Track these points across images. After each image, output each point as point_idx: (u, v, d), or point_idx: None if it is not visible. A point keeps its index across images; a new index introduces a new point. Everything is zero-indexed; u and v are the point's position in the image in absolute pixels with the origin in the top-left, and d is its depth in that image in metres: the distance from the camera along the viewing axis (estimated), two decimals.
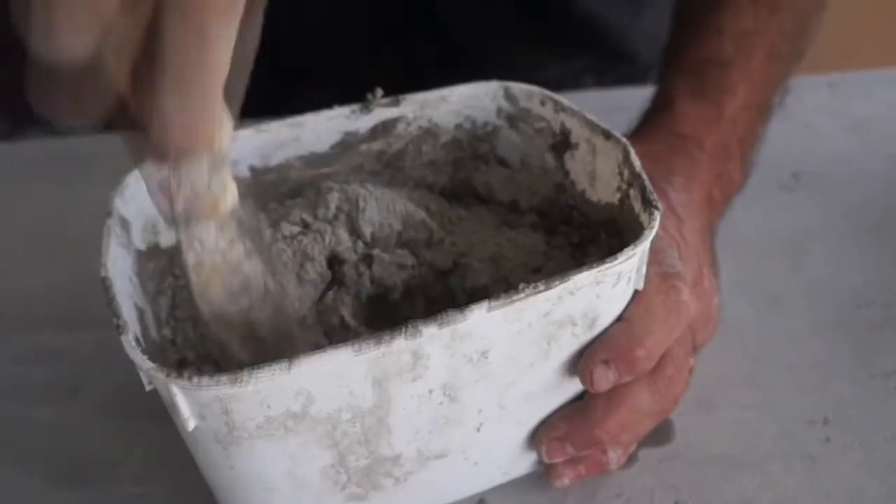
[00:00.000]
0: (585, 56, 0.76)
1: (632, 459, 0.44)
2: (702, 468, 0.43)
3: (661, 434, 0.45)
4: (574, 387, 0.39)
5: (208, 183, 0.30)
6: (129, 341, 0.32)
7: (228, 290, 0.34)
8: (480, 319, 0.33)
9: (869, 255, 0.56)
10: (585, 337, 0.37)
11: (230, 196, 0.32)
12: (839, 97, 0.72)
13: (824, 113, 0.70)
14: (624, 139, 0.41)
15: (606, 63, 0.77)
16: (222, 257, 0.33)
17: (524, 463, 0.42)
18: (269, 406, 0.32)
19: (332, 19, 0.71)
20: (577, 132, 0.44)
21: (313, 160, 0.46)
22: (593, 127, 0.42)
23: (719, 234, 0.49)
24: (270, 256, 0.38)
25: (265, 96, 0.69)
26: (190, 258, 0.33)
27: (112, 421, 0.46)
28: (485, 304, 0.32)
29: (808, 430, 0.45)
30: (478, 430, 0.38)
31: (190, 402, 0.32)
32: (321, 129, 0.45)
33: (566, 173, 0.45)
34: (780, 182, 0.62)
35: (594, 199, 0.43)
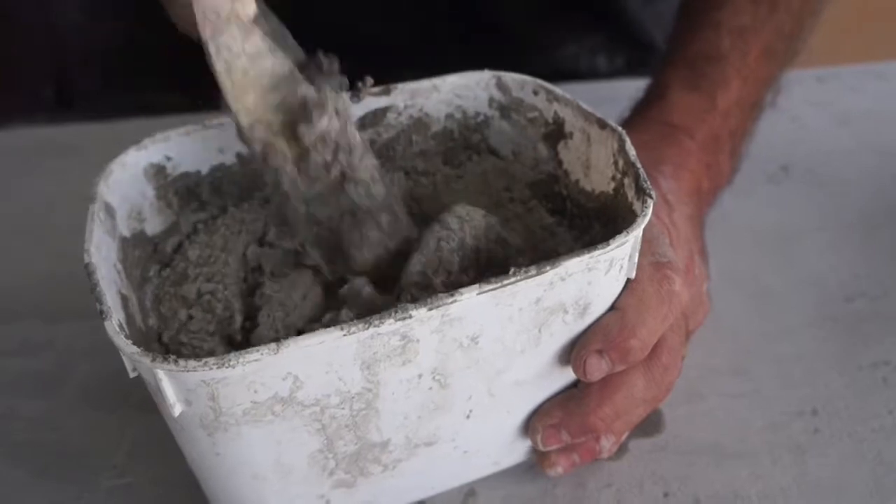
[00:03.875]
0: (598, 34, 0.76)
1: (622, 450, 0.44)
2: (691, 459, 0.43)
3: (650, 425, 0.45)
4: (564, 377, 0.39)
5: None
6: (113, 326, 0.31)
7: (261, 88, 0.37)
8: (471, 303, 0.32)
9: (857, 248, 0.56)
10: (577, 325, 0.37)
11: (249, 3, 0.35)
12: (827, 91, 0.73)
13: (813, 106, 0.71)
14: (619, 128, 0.40)
15: (617, 43, 0.77)
16: (250, 60, 0.36)
17: (514, 453, 0.42)
18: (256, 391, 0.31)
19: None
20: (571, 121, 0.43)
21: None
22: (588, 116, 0.42)
23: (708, 225, 0.50)
24: (291, 52, 0.38)
25: None
26: (220, 65, 0.35)
27: (97, 412, 0.46)
28: (475, 288, 0.32)
29: (796, 421, 0.45)
30: (467, 417, 0.37)
31: (176, 386, 0.31)
32: None
33: (559, 163, 0.45)
34: (768, 174, 0.63)
35: (588, 188, 0.43)
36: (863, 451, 0.44)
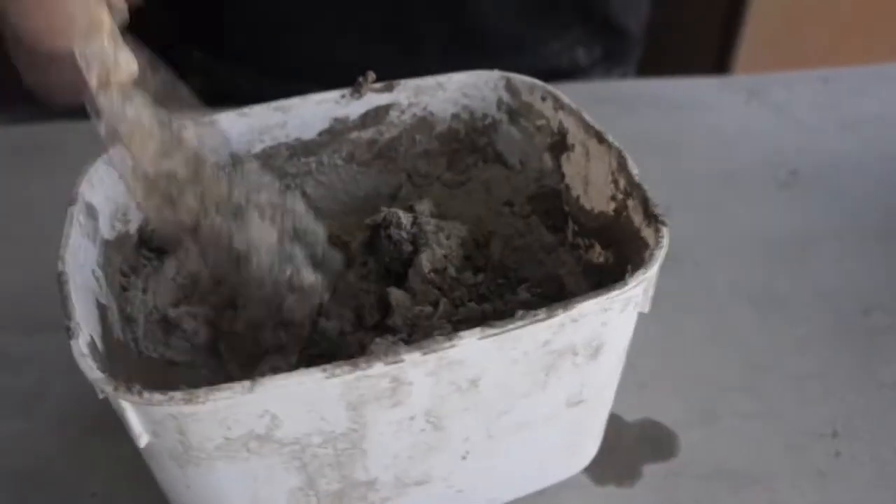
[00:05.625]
0: (577, 29, 0.72)
1: (635, 476, 0.40)
2: (707, 484, 0.39)
3: (665, 448, 0.41)
4: (570, 417, 0.34)
5: (114, 57, 0.31)
6: (79, 347, 0.28)
7: (158, 149, 0.33)
8: (471, 347, 0.28)
9: (871, 258, 0.52)
10: (587, 367, 0.32)
11: (133, 65, 0.32)
12: (832, 93, 0.69)
13: (818, 109, 0.67)
14: (617, 144, 0.36)
15: (595, 35, 0.73)
16: (150, 119, 0.33)
17: (514, 489, 0.37)
18: (229, 427, 0.27)
19: None
20: (574, 133, 0.39)
21: (300, 148, 0.41)
22: (588, 128, 0.38)
23: (717, 234, 0.46)
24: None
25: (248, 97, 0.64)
26: (122, 128, 0.32)
27: (78, 432, 0.41)
28: (476, 332, 0.27)
29: (816, 443, 0.41)
30: (463, 458, 0.33)
31: (142, 417, 0.27)
32: (308, 114, 0.41)
33: (562, 177, 0.40)
34: (778, 180, 0.59)
35: (588, 206, 0.39)
36: (887, 475, 0.40)
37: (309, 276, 0.35)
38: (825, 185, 0.59)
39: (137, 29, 0.34)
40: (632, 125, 0.62)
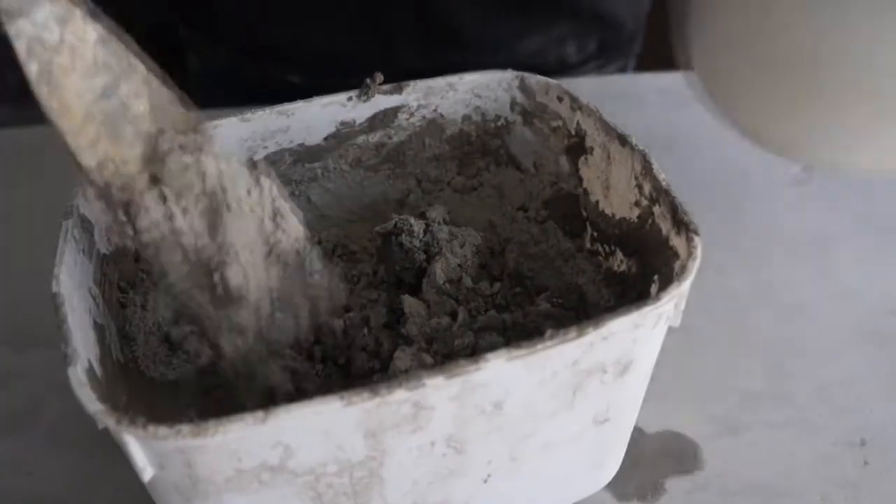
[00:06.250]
0: (564, 22, 0.69)
1: (659, 491, 0.39)
2: (734, 499, 0.38)
3: (689, 461, 0.39)
4: (596, 436, 0.33)
5: None
6: (77, 375, 0.26)
7: (84, 72, 0.26)
8: (497, 369, 0.26)
9: (891, 255, 0.51)
10: (615, 384, 0.30)
11: None
12: None
13: None
14: (641, 147, 0.34)
15: (587, 28, 0.70)
16: (72, 53, 0.26)
17: None
18: (240, 459, 0.26)
19: None
20: (593, 135, 0.37)
21: (304, 154, 0.40)
22: (609, 130, 0.36)
23: (736, 233, 0.44)
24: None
25: (236, 76, 0.62)
26: (33, 67, 0.25)
27: (73, 454, 0.39)
28: (503, 353, 0.26)
29: (845, 453, 0.40)
30: (485, 481, 0.31)
31: (146, 450, 0.26)
32: (313, 118, 0.39)
33: (580, 181, 0.39)
34: (792, 176, 0.57)
35: (608, 212, 0.37)
36: None
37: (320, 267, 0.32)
38: (839, 181, 0.57)
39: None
40: (637, 121, 0.60)
